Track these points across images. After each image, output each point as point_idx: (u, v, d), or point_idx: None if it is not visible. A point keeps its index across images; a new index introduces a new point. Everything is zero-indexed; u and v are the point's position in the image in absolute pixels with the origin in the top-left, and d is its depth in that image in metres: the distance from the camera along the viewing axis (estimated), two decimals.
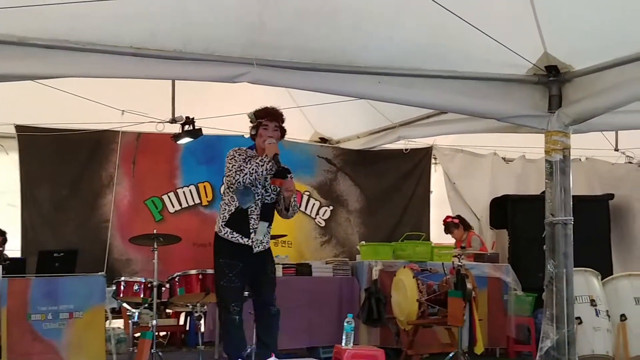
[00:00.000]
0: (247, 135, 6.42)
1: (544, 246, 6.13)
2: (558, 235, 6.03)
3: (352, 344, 5.94)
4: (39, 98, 7.86)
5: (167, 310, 9.04)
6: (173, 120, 8.54)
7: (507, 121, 6.47)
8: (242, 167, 5.90)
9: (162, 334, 9.28)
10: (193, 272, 7.34)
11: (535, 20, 5.33)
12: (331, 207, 10.47)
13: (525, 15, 5.25)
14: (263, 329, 6.22)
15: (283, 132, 6.25)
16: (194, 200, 9.63)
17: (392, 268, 8.57)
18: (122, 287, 7.43)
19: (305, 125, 10.30)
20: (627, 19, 5.19)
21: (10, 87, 6.21)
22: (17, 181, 8.88)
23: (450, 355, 7.55)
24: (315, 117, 10.11)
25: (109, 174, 9.21)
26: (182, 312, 9.35)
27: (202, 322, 7.61)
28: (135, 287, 7.39)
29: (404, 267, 8.17)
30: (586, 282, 7.51)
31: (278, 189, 6.14)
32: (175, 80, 8.09)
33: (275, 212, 6.30)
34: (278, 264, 8.43)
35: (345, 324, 5.90)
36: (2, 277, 6.62)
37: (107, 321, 7.41)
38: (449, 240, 10.27)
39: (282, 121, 6.21)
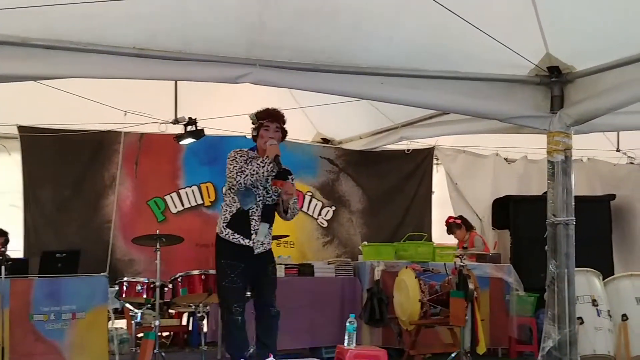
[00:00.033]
0: (249, 136, 6.42)
1: (546, 246, 6.14)
2: (560, 235, 6.04)
3: (354, 344, 5.94)
4: (42, 99, 7.87)
5: (170, 311, 9.04)
6: (175, 121, 8.56)
7: (510, 122, 6.48)
8: (243, 168, 5.90)
9: (164, 334, 9.28)
10: (195, 272, 7.35)
11: (538, 21, 5.33)
12: (333, 208, 10.48)
13: (527, 16, 5.25)
14: (263, 330, 6.20)
15: (284, 133, 6.24)
16: (196, 201, 9.64)
17: (394, 268, 8.57)
18: (124, 288, 7.45)
19: (307, 126, 10.30)
20: (629, 20, 5.20)
21: (13, 88, 6.22)
22: (19, 182, 8.89)
23: (453, 355, 7.56)
24: (318, 118, 10.11)
25: (112, 174, 9.22)
26: (184, 312, 9.34)
27: (204, 322, 7.62)
28: (138, 288, 7.41)
29: (406, 268, 8.17)
30: (588, 282, 7.50)
31: (279, 190, 6.15)
32: (178, 81, 8.10)
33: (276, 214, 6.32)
34: (280, 264, 8.44)
35: (347, 324, 5.90)
36: (5, 277, 6.64)
37: (110, 321, 7.40)
38: (451, 240, 10.28)
39: (284, 122, 6.21)
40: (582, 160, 11.08)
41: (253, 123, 6.20)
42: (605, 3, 5.19)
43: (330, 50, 5.87)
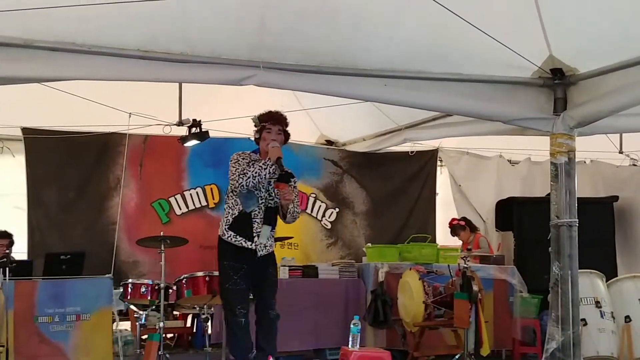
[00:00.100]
0: (253, 138, 6.44)
1: (549, 248, 6.13)
2: (563, 237, 6.03)
3: (358, 346, 5.97)
4: (46, 101, 7.88)
5: (174, 312, 9.04)
6: (180, 123, 8.55)
7: (513, 124, 6.47)
8: (245, 171, 5.91)
9: (169, 336, 9.29)
10: (200, 274, 7.37)
11: (541, 23, 5.33)
12: (337, 209, 10.48)
13: (530, 17, 5.25)
14: (262, 333, 6.20)
15: (287, 136, 6.25)
16: (200, 203, 9.66)
17: (398, 270, 8.58)
18: (129, 289, 7.47)
19: (311, 128, 10.31)
20: (632, 22, 5.19)
21: (17, 90, 6.24)
22: (23, 184, 8.91)
23: (456, 357, 7.58)
24: (321, 120, 10.12)
25: (116, 176, 9.24)
26: (189, 314, 9.35)
27: (209, 324, 7.63)
28: (143, 289, 7.43)
29: (410, 269, 8.18)
30: (591, 283, 7.50)
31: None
32: (182, 83, 8.11)
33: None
34: (284, 265, 8.48)
35: (351, 325, 5.92)
36: (9, 279, 6.66)
37: (115, 323, 7.42)
38: (455, 242, 10.27)
39: (286, 125, 6.22)
40: (585, 162, 11.06)
41: (255, 126, 6.21)
42: (608, 5, 5.18)
43: (330, 50, 5.86)
